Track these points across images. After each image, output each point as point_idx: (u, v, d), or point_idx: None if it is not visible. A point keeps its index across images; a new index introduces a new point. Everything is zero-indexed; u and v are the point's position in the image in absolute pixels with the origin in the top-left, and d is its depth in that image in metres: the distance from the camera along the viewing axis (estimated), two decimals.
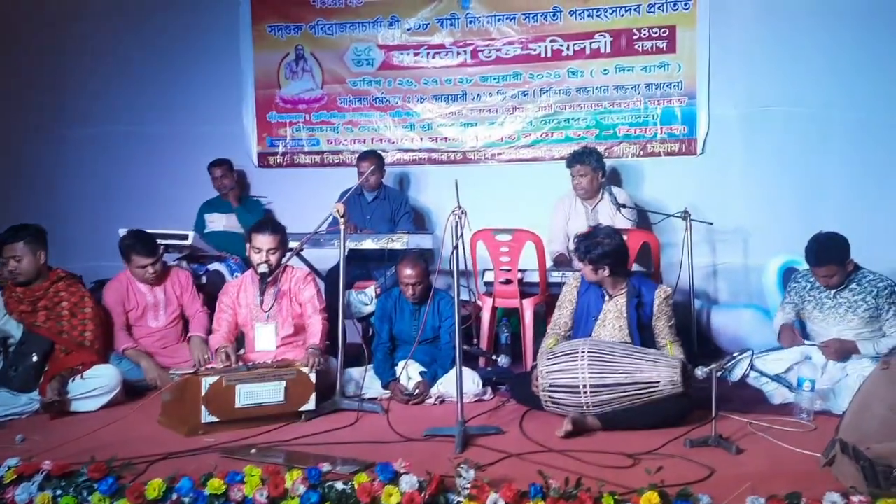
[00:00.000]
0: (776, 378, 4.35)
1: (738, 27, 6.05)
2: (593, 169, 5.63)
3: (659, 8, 6.17)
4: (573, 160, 5.66)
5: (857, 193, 5.76)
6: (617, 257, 4.34)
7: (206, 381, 4.02)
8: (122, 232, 5.44)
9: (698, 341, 5.36)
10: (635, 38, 6.23)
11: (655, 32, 6.19)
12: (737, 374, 4.21)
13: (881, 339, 4.37)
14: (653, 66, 6.22)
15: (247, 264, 5.00)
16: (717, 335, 5.58)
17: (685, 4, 6.13)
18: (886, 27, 5.78)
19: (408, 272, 4.77)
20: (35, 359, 4.42)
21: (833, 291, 4.47)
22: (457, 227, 3.92)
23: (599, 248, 4.27)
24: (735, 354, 3.98)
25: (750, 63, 6.03)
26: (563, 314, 4.53)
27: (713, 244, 6.05)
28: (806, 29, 5.93)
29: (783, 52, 5.98)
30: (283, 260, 4.79)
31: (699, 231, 5.64)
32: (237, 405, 4.07)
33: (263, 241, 4.65)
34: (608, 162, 5.93)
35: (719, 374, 4.02)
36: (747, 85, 6.06)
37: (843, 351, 4.37)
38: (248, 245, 4.74)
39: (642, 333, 4.32)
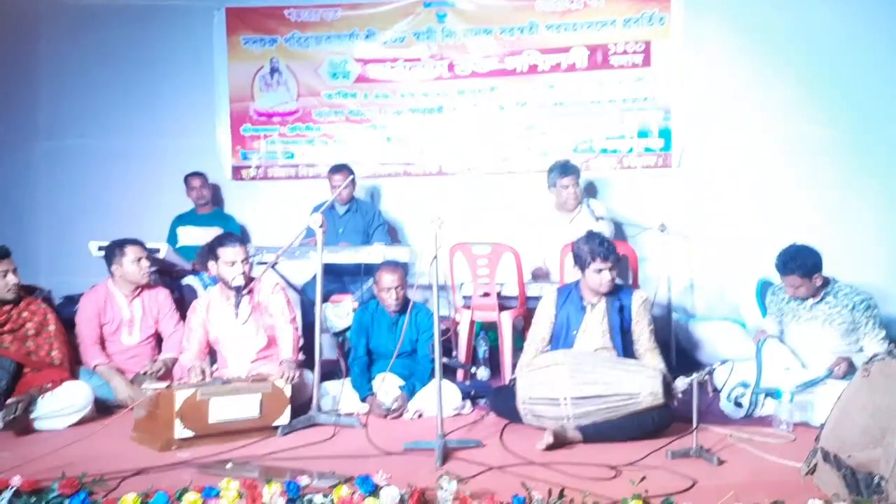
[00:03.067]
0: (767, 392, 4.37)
1: (713, 43, 6.13)
2: (577, 181, 5.65)
3: (634, 23, 6.23)
4: (562, 172, 5.65)
5: (831, 209, 5.82)
6: None
7: (180, 395, 3.94)
8: (93, 245, 5.36)
9: (676, 354, 5.36)
10: (611, 52, 6.29)
11: (631, 47, 6.26)
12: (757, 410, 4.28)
13: (859, 355, 4.39)
14: (629, 81, 6.26)
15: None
16: (695, 348, 5.59)
17: (660, 20, 6.19)
18: (862, 47, 5.89)
19: (389, 277, 4.73)
20: (3, 383, 4.29)
21: (810, 304, 4.50)
22: (436, 236, 3.88)
23: (613, 246, 4.28)
24: (714, 366, 3.98)
25: (725, 78, 6.11)
26: (539, 330, 4.50)
27: (689, 258, 6.06)
28: (781, 46, 6.03)
29: (759, 69, 6.07)
30: (261, 272, 4.73)
31: (675, 245, 5.65)
32: (211, 419, 3.99)
33: (235, 252, 4.59)
34: (585, 175, 5.94)
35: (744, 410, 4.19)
36: (722, 100, 6.14)
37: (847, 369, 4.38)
38: (213, 262, 4.65)
39: (624, 338, 4.31)
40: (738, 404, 4.39)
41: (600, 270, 4.27)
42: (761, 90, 6.09)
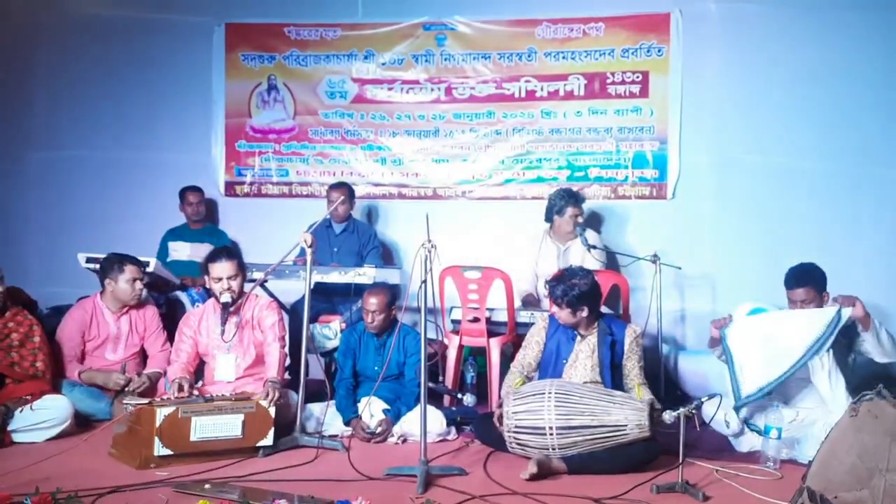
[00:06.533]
0: (749, 424, 4.32)
1: (710, 76, 6.14)
2: (583, 210, 5.68)
3: (633, 53, 6.23)
4: (576, 202, 5.66)
5: (824, 242, 5.79)
6: (594, 296, 4.32)
7: (161, 412, 3.89)
8: (81, 257, 5.33)
9: (665, 386, 5.32)
10: (609, 81, 6.28)
11: (629, 77, 6.25)
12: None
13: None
14: (625, 110, 6.27)
15: (209, 293, 4.89)
16: (684, 380, 5.55)
17: (658, 51, 6.19)
18: (855, 83, 5.90)
19: (370, 300, 4.71)
20: None
21: None
22: (426, 261, 3.86)
23: (576, 289, 4.23)
24: (703, 399, 3.95)
25: (721, 111, 6.11)
26: (528, 354, 4.48)
27: (681, 289, 6.05)
28: (776, 82, 6.04)
29: (754, 103, 6.08)
30: (249, 289, 4.70)
31: (668, 276, 5.63)
32: (192, 438, 3.93)
33: (221, 269, 4.55)
34: None
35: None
36: (718, 132, 6.13)
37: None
38: (206, 277, 4.64)
39: (614, 373, 4.28)
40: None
41: (558, 311, 4.33)
42: (757, 124, 6.09)
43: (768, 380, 4.24)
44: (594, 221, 6.30)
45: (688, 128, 6.19)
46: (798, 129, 6.01)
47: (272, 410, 4.15)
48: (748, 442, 4.35)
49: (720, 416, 4.33)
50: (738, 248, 6.06)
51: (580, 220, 5.68)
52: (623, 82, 6.28)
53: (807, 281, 4.42)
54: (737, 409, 4.31)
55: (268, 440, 4.11)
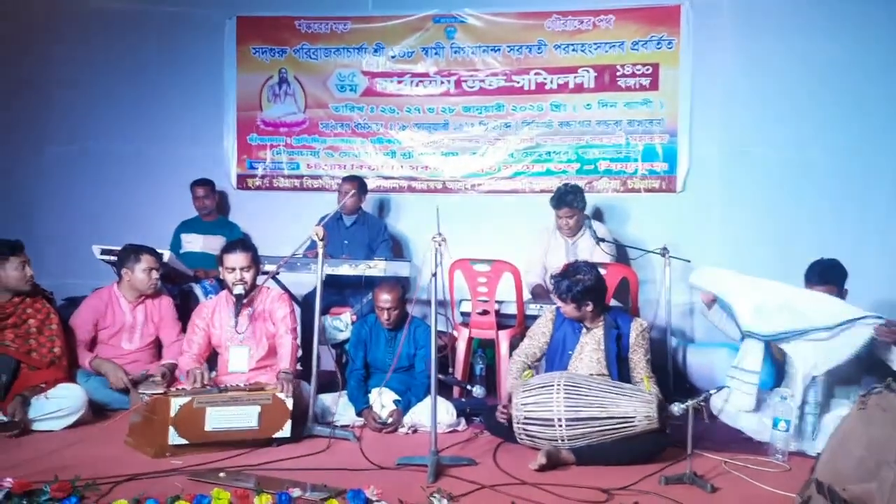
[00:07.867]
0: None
1: (720, 68, 6.14)
2: (580, 210, 5.65)
3: (643, 46, 6.24)
4: (560, 203, 5.61)
5: (832, 235, 5.80)
6: (598, 291, 4.33)
7: (176, 402, 3.93)
8: (96, 248, 5.38)
9: (673, 379, 5.34)
10: (619, 74, 6.29)
11: (639, 69, 6.26)
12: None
13: None
14: (635, 103, 6.28)
15: (222, 285, 4.94)
16: (692, 373, 5.55)
17: (668, 44, 6.20)
18: (866, 75, 5.91)
19: (384, 297, 4.74)
20: (4, 378, 4.31)
21: None
22: (436, 253, 3.89)
23: (580, 284, 4.24)
24: (711, 391, 3.97)
25: (731, 104, 6.12)
26: (533, 344, 4.50)
27: (690, 282, 6.04)
28: (787, 74, 6.05)
29: (763, 96, 6.09)
30: (261, 281, 4.75)
31: (677, 269, 5.63)
32: (207, 428, 3.97)
33: (235, 260, 4.61)
34: (588, 197, 5.92)
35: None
36: (728, 125, 6.14)
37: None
38: (220, 268, 4.70)
39: (620, 366, 4.30)
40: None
41: (563, 305, 4.34)
42: (766, 117, 6.10)
43: (772, 329, 4.21)
44: (603, 214, 6.32)
45: (698, 120, 6.20)
46: (809, 121, 6.01)
47: (289, 402, 4.16)
48: (760, 434, 4.34)
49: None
50: (748, 241, 6.06)
51: (564, 220, 5.64)
52: (633, 75, 6.29)
53: (829, 278, 4.41)
54: (744, 336, 4.33)
55: (285, 432, 4.13)
